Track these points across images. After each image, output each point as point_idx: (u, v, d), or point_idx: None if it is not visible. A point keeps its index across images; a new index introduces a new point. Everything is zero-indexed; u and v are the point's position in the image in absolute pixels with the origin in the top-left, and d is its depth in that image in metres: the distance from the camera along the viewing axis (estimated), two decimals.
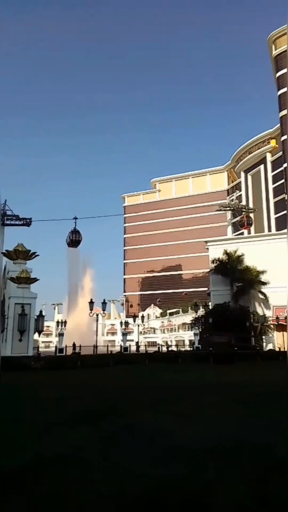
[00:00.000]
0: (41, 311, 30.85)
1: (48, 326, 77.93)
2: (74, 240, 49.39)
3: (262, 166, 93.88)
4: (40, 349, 32.25)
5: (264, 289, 42.51)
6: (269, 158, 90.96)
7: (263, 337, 40.52)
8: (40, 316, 29.80)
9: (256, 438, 6.46)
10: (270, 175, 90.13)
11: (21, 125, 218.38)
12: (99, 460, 5.39)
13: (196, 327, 42.63)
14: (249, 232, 79.08)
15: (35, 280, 28.72)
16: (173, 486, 4.45)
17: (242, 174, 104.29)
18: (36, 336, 30.70)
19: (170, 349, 44.23)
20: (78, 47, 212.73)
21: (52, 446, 6.13)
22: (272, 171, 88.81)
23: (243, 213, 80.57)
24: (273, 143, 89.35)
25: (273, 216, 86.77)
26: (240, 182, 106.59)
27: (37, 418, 8.39)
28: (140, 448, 5.96)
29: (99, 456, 5.57)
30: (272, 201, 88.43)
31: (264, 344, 39.91)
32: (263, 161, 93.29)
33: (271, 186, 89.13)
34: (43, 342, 69.09)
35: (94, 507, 3.95)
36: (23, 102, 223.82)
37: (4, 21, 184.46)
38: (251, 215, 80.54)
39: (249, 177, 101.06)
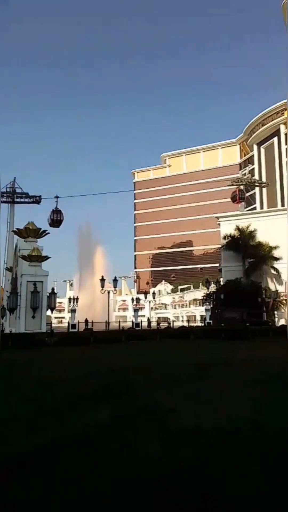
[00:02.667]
0: (53, 288, 31.12)
1: (60, 303, 79.06)
2: (56, 220, 48.55)
3: (275, 139, 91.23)
4: (53, 325, 32.70)
5: (276, 264, 42.10)
6: (283, 130, 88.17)
7: (275, 312, 40.45)
8: (52, 293, 30.06)
9: (272, 422, 6.34)
10: (284, 147, 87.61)
11: (30, 99, 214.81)
12: (114, 442, 5.34)
13: (208, 303, 42.73)
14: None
15: (46, 258, 28.82)
16: (188, 469, 4.37)
17: (255, 147, 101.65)
18: (48, 312, 31.09)
19: (181, 324, 44.56)
20: (97, 23, 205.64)
21: (66, 427, 6.11)
22: (286, 143, 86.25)
23: (256, 187, 78.91)
24: (287, 114, 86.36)
25: (286, 191, 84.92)
26: (252, 155, 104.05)
27: (52, 398, 8.42)
28: (154, 430, 5.89)
29: (113, 438, 5.52)
30: (286, 174, 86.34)
31: (276, 319, 39.88)
32: (276, 133, 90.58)
33: (284, 159, 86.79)
34: (56, 318, 70.23)
35: (108, 491, 3.88)
36: (31, 76, 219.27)
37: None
38: (264, 190, 78.91)
39: (262, 150, 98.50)
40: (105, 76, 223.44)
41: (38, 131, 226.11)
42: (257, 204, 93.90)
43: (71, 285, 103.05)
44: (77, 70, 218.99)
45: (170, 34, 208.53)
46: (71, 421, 6.44)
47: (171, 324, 43.76)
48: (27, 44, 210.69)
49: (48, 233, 31.55)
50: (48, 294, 28.85)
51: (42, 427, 6.19)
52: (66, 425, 6.24)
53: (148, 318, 45.22)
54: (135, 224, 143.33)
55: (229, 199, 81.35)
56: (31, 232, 30.23)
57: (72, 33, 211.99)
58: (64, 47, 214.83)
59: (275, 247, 41.59)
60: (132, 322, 35.98)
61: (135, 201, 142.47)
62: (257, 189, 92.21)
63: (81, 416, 6.72)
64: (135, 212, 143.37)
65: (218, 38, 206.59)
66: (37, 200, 59.15)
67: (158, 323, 46.59)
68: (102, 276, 40.35)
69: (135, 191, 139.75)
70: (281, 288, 42.45)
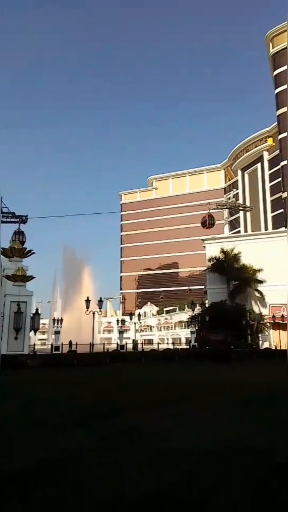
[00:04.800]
0: (37, 309, 30.74)
1: (44, 324, 77.73)
2: (18, 241, 48.19)
3: (259, 165, 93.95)
4: (36, 347, 32.11)
5: (260, 287, 42.61)
6: (266, 156, 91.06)
7: (260, 335, 40.66)
8: (36, 314, 29.66)
9: (256, 441, 6.37)
10: (267, 173, 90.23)
11: (15, 118, 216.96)
12: (97, 464, 5.28)
13: (193, 325, 42.68)
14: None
15: (31, 278, 28.55)
16: (171, 490, 4.36)
17: (239, 172, 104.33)
18: (32, 334, 30.57)
19: (166, 347, 44.25)
20: (75, 41, 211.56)
21: (50, 448, 6.01)
22: (269, 169, 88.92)
23: (240, 211, 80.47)
24: (270, 141, 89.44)
25: (270, 215, 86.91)
26: (237, 180, 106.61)
27: (33, 419, 8.27)
28: (138, 451, 5.85)
29: (96, 459, 5.46)
30: (269, 199, 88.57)
31: (261, 342, 40.04)
32: (260, 159, 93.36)
33: (268, 185, 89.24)
34: (39, 339, 68.91)
35: None
36: (18, 95, 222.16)
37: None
38: (248, 213, 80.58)
39: (246, 175, 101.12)
40: (92, 98, 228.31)
41: (24, 152, 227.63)
42: (241, 228, 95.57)
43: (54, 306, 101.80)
44: (64, 89, 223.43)
45: (158, 58, 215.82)
46: (53, 442, 6.34)
47: (157, 347, 43.45)
48: (14, 60, 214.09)
49: (34, 252, 31.39)
50: (31, 315, 28.45)
51: (22, 448, 6.07)
52: (47, 446, 6.14)
53: (133, 340, 44.81)
54: (122, 245, 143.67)
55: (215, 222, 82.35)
56: (16, 252, 30.00)
57: (57, 52, 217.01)
58: (49, 65, 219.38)
59: (259, 270, 42.21)
60: (117, 344, 35.58)
61: (122, 222, 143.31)
62: (241, 213, 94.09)
63: (63, 438, 6.62)
64: (122, 233, 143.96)
65: (206, 67, 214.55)
66: (23, 220, 58.82)
67: (140, 346, 46.19)
68: (88, 297, 39.99)
69: (122, 213, 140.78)
70: (265, 311, 42.84)
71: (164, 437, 6.60)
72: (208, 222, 68.57)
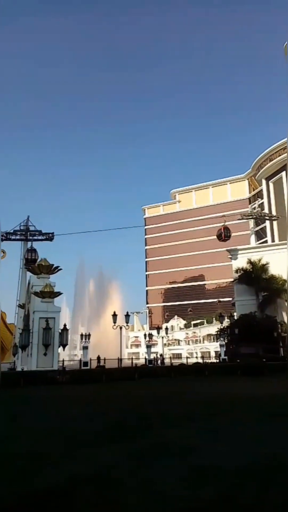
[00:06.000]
0: (65, 325, 30.93)
1: (73, 339, 78.32)
2: (30, 259, 48.35)
3: (283, 173, 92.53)
4: (65, 362, 32.31)
5: None
6: None
7: None
8: (65, 330, 29.87)
9: None
10: None
11: (41, 138, 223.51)
12: (131, 480, 5.19)
13: (222, 338, 41.87)
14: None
15: (58, 294, 28.92)
16: (207, 509, 4.21)
17: (264, 181, 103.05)
18: (60, 349, 30.80)
19: (195, 361, 43.56)
20: (94, 57, 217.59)
21: (83, 465, 5.97)
22: None
23: (266, 220, 79.08)
24: None
25: None
26: (261, 190, 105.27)
27: (66, 435, 8.26)
28: (172, 467, 5.72)
29: (131, 476, 5.36)
30: None
31: None
32: (284, 168, 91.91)
33: None
34: (67, 355, 69.44)
35: None
36: (40, 113, 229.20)
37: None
38: (274, 223, 79.16)
39: (271, 185, 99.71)
40: (114, 115, 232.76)
41: (49, 169, 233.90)
42: (268, 237, 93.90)
43: (83, 321, 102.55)
44: (86, 109, 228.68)
45: (177, 71, 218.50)
46: (87, 459, 6.29)
47: (185, 361, 42.83)
48: (26, 85, 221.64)
49: (61, 269, 31.87)
50: (60, 331, 28.72)
51: (57, 464, 6.05)
52: (82, 462, 6.10)
53: (161, 354, 44.45)
54: (146, 259, 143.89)
55: (241, 233, 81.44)
56: (43, 269, 30.56)
57: (75, 70, 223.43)
58: (70, 83, 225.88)
59: None
60: (145, 358, 35.37)
61: (146, 236, 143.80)
62: (267, 223, 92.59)
63: (97, 454, 6.57)
64: (146, 247, 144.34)
65: (227, 78, 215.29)
66: (49, 237, 60.24)
67: (168, 360, 45.71)
68: (114, 312, 40.13)
69: (146, 227, 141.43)
70: None
71: (198, 453, 6.43)
72: (223, 235, 66.93)
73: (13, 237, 57.84)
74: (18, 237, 58.61)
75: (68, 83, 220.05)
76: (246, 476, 5.24)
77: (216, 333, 49.48)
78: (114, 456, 6.32)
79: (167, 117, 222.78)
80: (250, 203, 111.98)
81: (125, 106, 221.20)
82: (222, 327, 44.45)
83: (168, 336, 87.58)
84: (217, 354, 43.09)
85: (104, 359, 32.72)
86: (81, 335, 37.16)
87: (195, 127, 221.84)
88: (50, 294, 28.19)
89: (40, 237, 60.21)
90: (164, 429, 8.55)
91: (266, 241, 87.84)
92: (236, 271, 45.73)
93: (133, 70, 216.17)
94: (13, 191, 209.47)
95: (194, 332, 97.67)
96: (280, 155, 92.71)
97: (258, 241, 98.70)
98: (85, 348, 33.16)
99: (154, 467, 5.78)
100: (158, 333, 57.68)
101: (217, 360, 38.67)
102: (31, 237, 59.72)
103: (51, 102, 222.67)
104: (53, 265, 31.29)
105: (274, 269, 42.68)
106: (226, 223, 69.02)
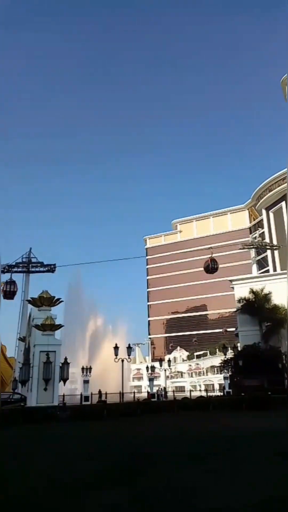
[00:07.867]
0: (65, 358, 30.37)
1: (73, 373, 76.66)
2: (8, 292, 47.38)
3: (283, 203, 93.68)
4: (65, 397, 31.49)
5: None
6: None
7: None
8: (65, 364, 29.35)
9: None
10: None
11: (40, 171, 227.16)
12: None
13: (226, 370, 40.92)
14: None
15: (59, 326, 28.65)
16: None
17: (264, 211, 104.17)
18: (61, 383, 30.10)
19: (199, 394, 42.41)
20: (90, 84, 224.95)
21: (84, 509, 5.66)
22: None
23: (267, 250, 79.18)
24: None
25: None
26: (262, 219, 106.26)
27: (68, 476, 7.91)
28: (175, 509, 5.42)
29: None
30: None
31: None
32: (284, 197, 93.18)
33: None
34: (68, 389, 67.79)
35: None
36: (41, 148, 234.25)
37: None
38: (275, 252, 79.28)
39: (271, 214, 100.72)
40: (113, 148, 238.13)
41: (50, 204, 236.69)
42: (270, 267, 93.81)
43: (83, 354, 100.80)
44: (84, 137, 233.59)
45: (176, 102, 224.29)
46: (89, 502, 5.97)
47: (189, 394, 41.71)
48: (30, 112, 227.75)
49: (62, 301, 31.76)
50: (60, 365, 28.18)
51: (59, 508, 5.75)
52: (85, 506, 5.78)
53: (164, 388, 43.30)
54: (148, 289, 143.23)
55: (242, 262, 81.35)
56: (45, 301, 30.39)
57: (75, 101, 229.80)
58: (71, 108, 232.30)
59: None
60: (148, 392, 34.44)
61: (148, 266, 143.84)
62: (269, 252, 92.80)
63: (99, 496, 6.24)
64: (148, 277, 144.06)
65: (227, 110, 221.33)
66: (51, 268, 60.29)
67: (171, 393, 44.54)
68: (116, 344, 39.45)
69: (148, 257, 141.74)
70: None
71: (203, 495, 6.11)
72: (210, 267, 63.68)
73: (15, 269, 57.90)
74: (20, 269, 58.69)
75: (67, 117, 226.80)
76: None
77: (219, 364, 48.42)
78: (116, 500, 6.01)
79: (169, 147, 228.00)
80: (250, 233, 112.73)
81: (126, 136, 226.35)
82: (225, 358, 43.54)
83: (170, 368, 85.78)
84: (221, 387, 41.96)
85: (106, 394, 31.89)
86: (82, 368, 36.33)
87: (196, 158, 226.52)
88: (51, 327, 27.92)
89: (41, 269, 60.27)
90: (166, 470, 8.19)
91: (267, 271, 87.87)
92: (239, 301, 45.35)
93: (135, 98, 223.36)
94: (16, 225, 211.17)
95: (197, 364, 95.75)
96: (279, 185, 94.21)
97: (260, 270, 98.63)
98: (86, 382, 32.30)
99: (155, 509, 5.47)
100: (161, 365, 56.49)
101: (222, 393, 37.61)
102: (32, 269, 59.82)
103: (50, 137, 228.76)
104: (54, 297, 31.17)
105: (277, 299, 42.33)
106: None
